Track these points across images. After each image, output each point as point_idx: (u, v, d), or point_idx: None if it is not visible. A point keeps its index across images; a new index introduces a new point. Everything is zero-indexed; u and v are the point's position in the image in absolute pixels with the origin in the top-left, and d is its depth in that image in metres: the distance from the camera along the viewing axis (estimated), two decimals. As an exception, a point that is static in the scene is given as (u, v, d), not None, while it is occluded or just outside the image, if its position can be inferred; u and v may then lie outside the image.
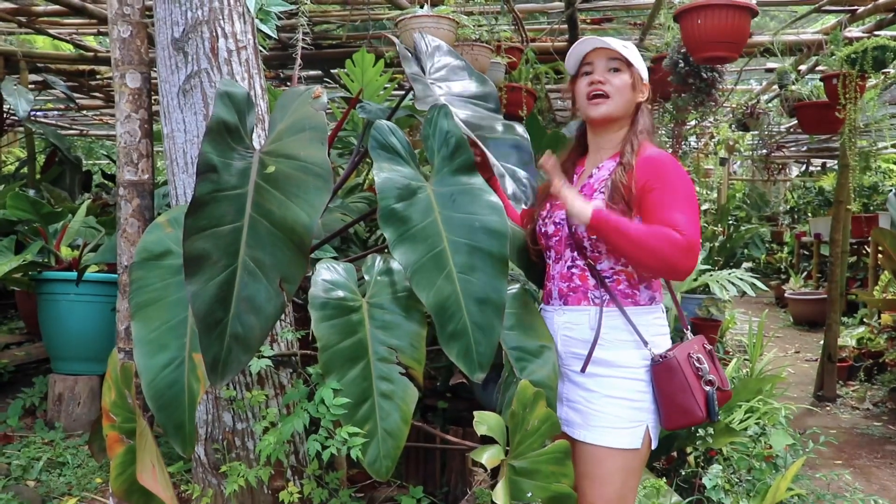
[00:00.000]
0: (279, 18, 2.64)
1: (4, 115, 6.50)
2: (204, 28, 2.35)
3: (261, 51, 2.62)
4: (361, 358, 1.93)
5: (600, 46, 2.07)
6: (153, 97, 2.59)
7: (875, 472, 4.41)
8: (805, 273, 11.07)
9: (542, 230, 2.17)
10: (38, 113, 9.00)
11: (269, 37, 2.71)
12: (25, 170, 6.64)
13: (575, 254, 2.08)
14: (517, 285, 2.23)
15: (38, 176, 6.43)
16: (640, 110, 2.12)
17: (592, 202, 1.97)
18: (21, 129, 7.20)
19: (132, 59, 2.46)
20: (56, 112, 9.36)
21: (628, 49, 2.08)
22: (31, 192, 5.28)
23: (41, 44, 7.22)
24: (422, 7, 3.24)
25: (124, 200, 2.48)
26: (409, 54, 2.40)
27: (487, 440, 1.90)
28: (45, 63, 6.63)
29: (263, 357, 2.07)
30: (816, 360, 6.37)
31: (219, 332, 1.72)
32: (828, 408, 5.80)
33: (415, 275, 1.89)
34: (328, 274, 2.01)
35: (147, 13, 2.52)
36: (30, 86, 6.46)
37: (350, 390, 1.88)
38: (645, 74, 2.13)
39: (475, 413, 1.86)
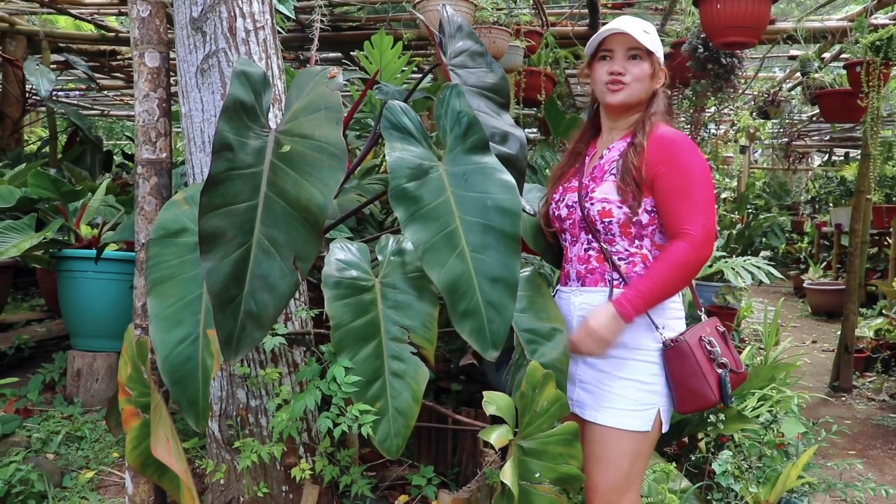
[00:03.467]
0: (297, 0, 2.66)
1: (27, 95, 6.57)
2: (222, 8, 2.36)
3: (279, 32, 2.63)
4: (374, 337, 1.95)
5: (624, 32, 2.04)
6: (171, 76, 2.61)
7: (889, 463, 4.39)
8: (825, 263, 10.98)
9: (556, 213, 2.18)
10: (60, 93, 9.08)
11: (288, 18, 2.72)
12: (47, 149, 6.71)
13: (590, 236, 2.08)
14: (529, 268, 2.24)
15: (59, 155, 6.50)
16: (656, 95, 2.12)
17: (608, 311, 1.97)
18: (43, 108, 7.27)
19: (151, 38, 2.47)
20: (78, 92, 9.43)
21: (649, 35, 2.06)
22: (53, 172, 5.34)
23: (63, 24, 7.27)
24: (442, -11, 3.23)
25: (142, 178, 2.50)
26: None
27: (498, 421, 1.92)
28: (67, 43, 6.69)
29: (277, 335, 2.10)
30: (833, 350, 6.33)
31: (233, 309, 1.75)
32: (843, 398, 5.77)
33: (426, 253, 1.89)
34: (342, 254, 2.03)
35: (167, -8, 2.54)
36: (52, 66, 6.52)
37: (362, 369, 1.90)
38: (662, 58, 2.11)
39: (484, 393, 1.87)
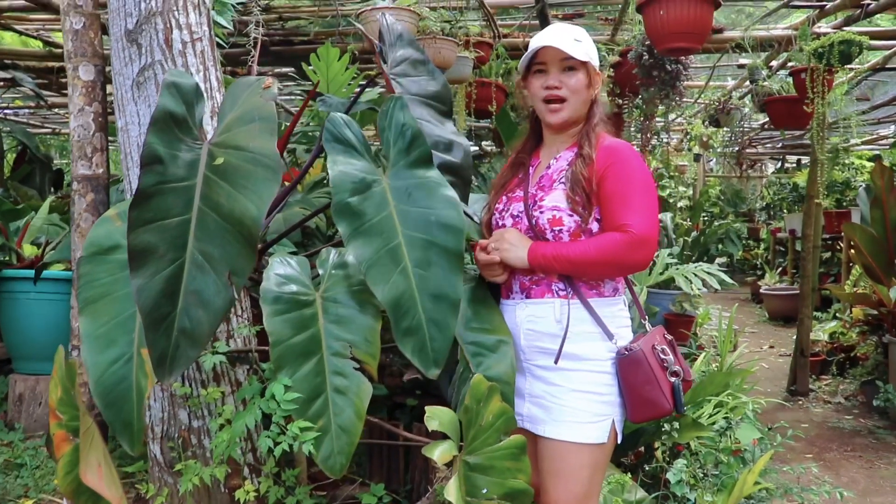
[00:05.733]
0: (236, 10, 2.61)
1: (-29, 113, 6.41)
2: (157, 19, 2.31)
3: (222, 46, 2.58)
4: (315, 353, 1.89)
5: (552, 46, 2.02)
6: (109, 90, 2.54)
7: (844, 464, 4.43)
8: (780, 269, 11.14)
9: (500, 223, 2.14)
10: (8, 111, 8.87)
11: (233, 32, 2.67)
12: (-7, 168, 6.55)
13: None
14: (474, 279, 2.20)
15: (7, 174, 6.34)
16: (595, 103, 2.10)
17: (525, 244, 2.00)
18: (-10, 127, 7.09)
19: (85, 51, 2.41)
20: (27, 110, 9.22)
21: (582, 43, 2.03)
22: (0, 191, 5.21)
23: (9, 40, 7.11)
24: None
25: (78, 195, 2.44)
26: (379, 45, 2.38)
27: (444, 436, 1.87)
28: (13, 60, 6.53)
29: (218, 353, 2.04)
30: (790, 354, 6.40)
31: (166, 327, 1.69)
32: (800, 402, 5.83)
33: (370, 269, 1.86)
34: (281, 268, 1.98)
35: (101, 4, 2.48)
36: (-2, 83, 6.37)
37: (303, 386, 1.85)
38: (597, 62, 2.09)
39: (426, 408, 1.83)
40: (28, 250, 4.03)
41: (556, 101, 2.04)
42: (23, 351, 3.70)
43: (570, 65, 2.03)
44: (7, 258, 3.89)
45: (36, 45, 6.59)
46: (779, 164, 12.23)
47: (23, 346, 3.69)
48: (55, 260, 3.37)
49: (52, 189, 6.51)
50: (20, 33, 6.04)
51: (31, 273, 3.63)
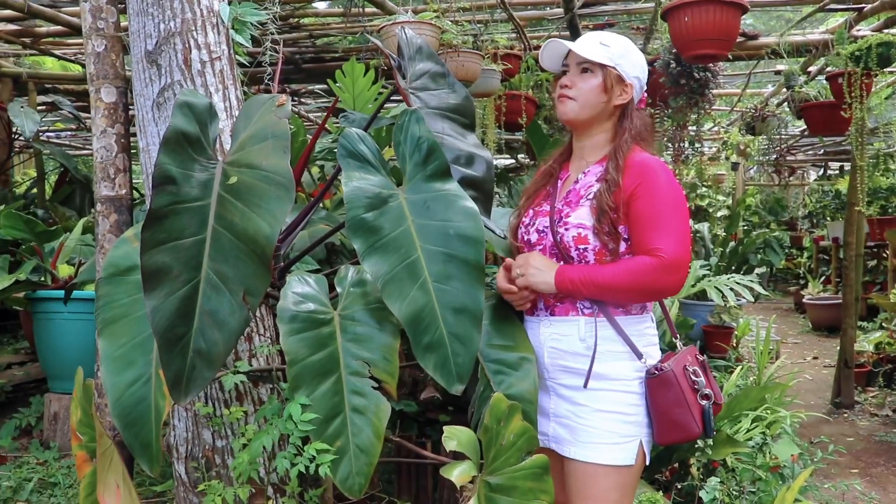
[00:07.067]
0: (256, 28, 2.61)
1: (13, 137, 6.55)
2: (176, 40, 2.31)
3: (244, 65, 2.59)
4: (333, 372, 1.87)
5: (569, 47, 1.99)
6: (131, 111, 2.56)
7: (893, 480, 4.27)
8: (824, 278, 10.89)
9: (525, 238, 2.10)
10: (50, 133, 9.07)
11: (247, 48, 2.67)
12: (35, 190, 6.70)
13: (561, 263, 2.00)
14: (496, 296, 2.16)
15: (49, 195, 6.47)
16: (625, 113, 2.02)
17: (552, 268, 1.95)
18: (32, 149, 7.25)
19: (107, 73, 2.43)
20: (68, 133, 9.42)
21: (608, 48, 1.98)
22: (41, 212, 5.30)
23: (51, 65, 7.28)
24: (407, 13, 3.20)
25: (102, 216, 2.45)
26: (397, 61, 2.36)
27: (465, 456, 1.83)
28: (53, 84, 6.68)
29: (239, 372, 2.02)
30: (835, 366, 6.22)
31: (181, 348, 1.68)
32: (845, 415, 5.65)
33: (386, 286, 1.83)
34: (299, 287, 1.96)
35: (122, 27, 2.50)
36: (39, 107, 6.51)
37: (321, 405, 1.83)
38: (630, 72, 2.01)
39: (444, 428, 1.79)
40: (63, 270, 4.08)
41: (565, 97, 2.01)
42: (57, 370, 3.74)
43: (586, 67, 1.99)
44: (42, 279, 3.95)
45: (75, 69, 6.74)
46: (821, 171, 11.98)
47: (57, 366, 3.73)
48: (83, 281, 3.41)
49: (91, 209, 6.62)
50: (59, 58, 6.17)
51: (60, 293, 3.68)
